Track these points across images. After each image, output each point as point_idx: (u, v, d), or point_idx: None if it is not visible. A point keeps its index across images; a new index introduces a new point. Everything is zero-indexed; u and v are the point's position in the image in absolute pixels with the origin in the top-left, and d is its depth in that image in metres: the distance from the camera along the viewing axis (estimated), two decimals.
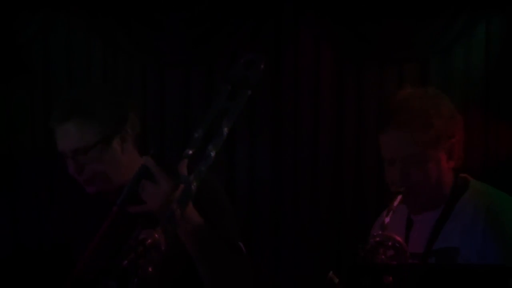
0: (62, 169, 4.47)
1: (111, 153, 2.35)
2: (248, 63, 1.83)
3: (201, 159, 1.71)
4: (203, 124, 1.82)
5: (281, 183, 4.68)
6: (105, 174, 2.34)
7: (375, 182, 4.56)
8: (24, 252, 4.51)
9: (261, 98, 4.66)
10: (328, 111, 4.65)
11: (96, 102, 2.36)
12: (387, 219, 2.25)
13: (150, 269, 1.62)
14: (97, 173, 2.33)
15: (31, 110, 4.68)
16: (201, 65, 4.68)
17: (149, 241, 1.85)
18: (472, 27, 4.51)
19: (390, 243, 2.21)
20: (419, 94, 2.37)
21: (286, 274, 4.65)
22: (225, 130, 1.75)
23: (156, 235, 1.84)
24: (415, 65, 4.60)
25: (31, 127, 4.68)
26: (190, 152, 1.85)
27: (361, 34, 4.56)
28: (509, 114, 4.47)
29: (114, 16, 4.60)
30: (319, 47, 4.66)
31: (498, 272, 1.88)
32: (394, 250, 2.21)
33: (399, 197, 2.31)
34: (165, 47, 4.63)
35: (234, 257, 2.25)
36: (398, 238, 2.22)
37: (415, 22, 4.49)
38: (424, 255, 2.34)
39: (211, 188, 2.38)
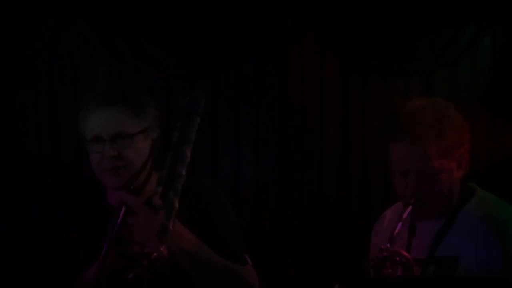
0: (66, 170, 4.54)
1: (145, 147, 2.36)
2: (191, 100, 1.95)
3: (174, 179, 1.79)
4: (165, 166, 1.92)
5: (287, 192, 4.68)
6: (134, 166, 2.33)
7: (380, 192, 4.57)
8: (27, 252, 4.52)
9: (267, 110, 4.67)
10: (333, 123, 4.66)
11: (141, 96, 2.42)
12: (396, 232, 2.24)
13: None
14: (129, 162, 2.31)
15: (36, 112, 4.70)
16: (207, 78, 4.68)
17: (155, 254, 1.85)
18: (478, 40, 4.51)
19: (397, 259, 2.20)
20: (430, 105, 2.35)
21: (291, 279, 4.65)
22: (188, 152, 1.86)
23: (162, 249, 1.84)
24: (421, 77, 4.60)
25: (36, 129, 4.70)
26: (160, 189, 1.91)
27: (366, 46, 4.57)
28: None
29: (119, 29, 4.61)
30: (324, 59, 4.66)
31: (501, 285, 1.87)
32: (401, 266, 2.21)
33: (409, 209, 2.30)
34: (170, 60, 4.64)
35: (231, 272, 2.26)
36: (406, 254, 2.22)
37: (421, 35, 4.50)
38: (425, 262, 2.34)
39: (216, 202, 2.39)
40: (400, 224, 2.26)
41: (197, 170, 4.55)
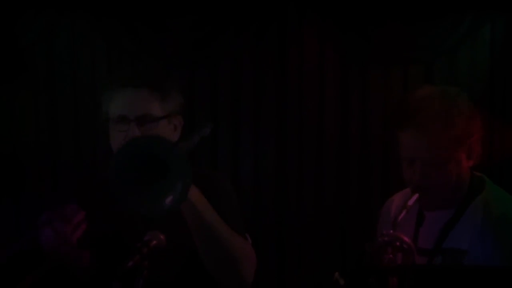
0: (66, 169, 4.53)
1: (167, 133, 2.38)
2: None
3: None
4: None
5: (286, 184, 4.68)
6: None
7: (379, 182, 4.57)
8: (27, 254, 4.50)
9: (265, 99, 4.66)
10: (333, 113, 4.65)
11: (169, 81, 2.44)
12: (400, 218, 2.23)
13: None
14: None
15: (35, 112, 4.67)
16: (206, 66, 4.67)
17: (154, 242, 1.85)
18: (477, 29, 4.51)
19: (398, 243, 2.19)
20: (439, 93, 2.34)
21: (291, 274, 4.65)
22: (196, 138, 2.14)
23: (161, 236, 1.84)
24: (420, 66, 4.60)
25: (36, 128, 4.67)
26: None
27: (365, 35, 4.56)
28: None
29: (118, 18, 4.59)
30: (323, 49, 4.65)
31: (503, 274, 1.87)
32: (401, 251, 2.20)
33: (416, 196, 2.30)
34: (169, 49, 4.62)
35: (236, 242, 2.24)
36: (407, 239, 2.21)
37: (420, 23, 4.49)
38: (432, 252, 2.33)
39: (217, 183, 2.40)
40: (404, 210, 2.25)
41: (195, 159, 4.54)
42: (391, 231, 2.21)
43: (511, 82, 4.52)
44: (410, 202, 2.27)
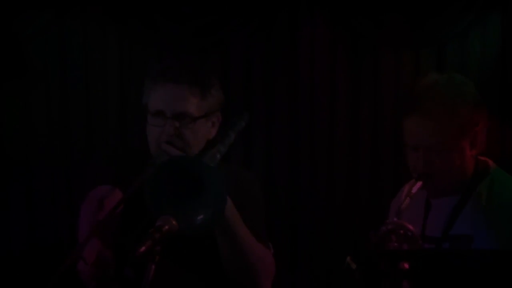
0: (78, 170, 4.51)
1: (204, 131, 2.38)
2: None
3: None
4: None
5: (297, 168, 4.67)
6: (190, 148, 2.33)
7: (391, 169, 4.55)
8: (39, 250, 4.52)
9: (277, 87, 4.65)
10: (344, 98, 4.63)
11: (211, 77, 2.43)
12: (403, 206, 2.24)
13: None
14: (187, 143, 2.32)
15: (47, 105, 4.66)
16: (217, 52, 4.66)
17: (166, 227, 1.85)
18: (489, 12, 4.49)
19: (402, 231, 2.20)
20: (445, 82, 2.34)
21: (303, 261, 4.65)
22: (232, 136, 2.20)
23: (174, 222, 1.85)
24: (432, 50, 4.58)
25: (47, 127, 4.66)
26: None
27: (376, 20, 4.54)
28: None
29: (128, 5, 4.58)
30: (334, 33, 4.64)
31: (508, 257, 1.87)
32: (406, 239, 2.21)
33: (419, 184, 2.30)
34: (180, 35, 4.61)
35: (258, 253, 2.25)
36: (410, 227, 2.22)
37: (431, 7, 4.47)
38: (440, 240, 2.34)
39: (247, 185, 2.41)
40: (408, 198, 2.26)
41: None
42: (395, 219, 2.22)
43: None
44: (414, 190, 2.29)
